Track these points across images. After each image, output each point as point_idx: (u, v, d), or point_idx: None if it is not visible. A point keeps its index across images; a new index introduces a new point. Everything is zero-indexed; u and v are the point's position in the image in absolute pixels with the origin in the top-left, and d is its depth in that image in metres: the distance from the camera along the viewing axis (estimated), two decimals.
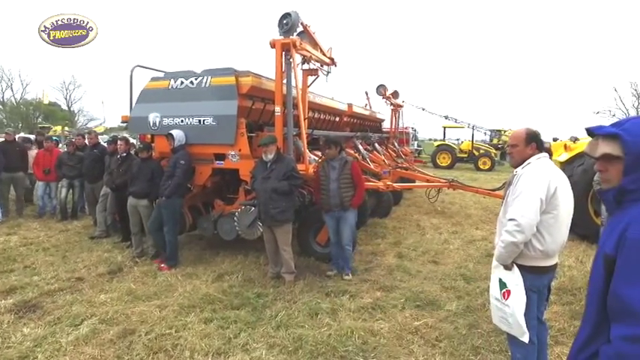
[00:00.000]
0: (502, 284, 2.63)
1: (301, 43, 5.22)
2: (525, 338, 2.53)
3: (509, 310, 2.55)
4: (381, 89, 11.05)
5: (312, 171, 5.25)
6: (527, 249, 2.56)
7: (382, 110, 12.61)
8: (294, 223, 5.39)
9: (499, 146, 25.08)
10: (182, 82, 5.56)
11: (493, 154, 23.71)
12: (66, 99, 46.79)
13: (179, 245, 5.74)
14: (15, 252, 6.05)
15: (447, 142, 26.66)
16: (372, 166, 8.33)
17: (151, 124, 5.69)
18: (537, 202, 2.49)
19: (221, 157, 5.48)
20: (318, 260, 5.65)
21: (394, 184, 7.86)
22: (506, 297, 2.59)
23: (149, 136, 6.01)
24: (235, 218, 5.48)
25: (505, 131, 27.26)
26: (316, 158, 5.74)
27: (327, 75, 6.27)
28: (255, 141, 5.42)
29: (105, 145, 7.68)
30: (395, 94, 11.62)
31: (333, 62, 6.27)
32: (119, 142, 6.48)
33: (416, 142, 30.49)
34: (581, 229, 6.45)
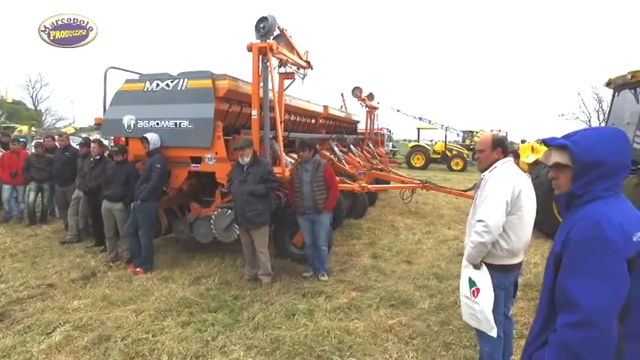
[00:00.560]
0: (472, 283, 2.76)
1: (278, 47, 5.26)
2: (494, 333, 2.67)
3: (479, 307, 2.68)
4: (356, 91, 11.19)
5: (288, 174, 5.30)
6: (494, 248, 2.70)
7: (357, 112, 12.79)
8: (271, 225, 5.43)
9: (471, 147, 25.63)
10: (158, 85, 5.52)
11: (465, 155, 24.28)
12: (32, 97, 45.04)
13: (155, 249, 5.69)
14: None
15: (421, 143, 27.09)
16: (347, 167, 8.46)
17: (126, 127, 5.61)
18: (503, 204, 2.64)
19: (197, 160, 5.46)
20: (294, 262, 5.71)
21: (369, 186, 7.99)
22: (475, 295, 2.72)
23: (123, 139, 5.93)
24: (212, 221, 5.48)
25: (477, 132, 27.98)
26: (292, 161, 5.79)
27: (303, 78, 6.33)
28: (231, 144, 5.43)
29: (77, 147, 7.50)
30: (370, 96, 11.78)
31: (309, 65, 6.34)
32: (92, 144, 6.35)
33: (391, 143, 30.90)
34: (547, 227, 6.74)
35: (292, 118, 7.46)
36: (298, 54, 6.07)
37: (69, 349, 3.49)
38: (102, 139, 6.57)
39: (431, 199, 11.37)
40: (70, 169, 6.99)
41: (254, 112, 5.27)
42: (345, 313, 4.23)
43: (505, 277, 2.79)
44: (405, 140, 42.06)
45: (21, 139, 11.76)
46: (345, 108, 11.58)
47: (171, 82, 5.45)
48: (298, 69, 6.21)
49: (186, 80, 5.39)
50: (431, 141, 30.11)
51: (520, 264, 2.90)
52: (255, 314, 4.14)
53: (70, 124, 33.03)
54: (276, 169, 5.22)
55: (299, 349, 3.49)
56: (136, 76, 5.97)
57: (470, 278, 2.77)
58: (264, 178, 4.85)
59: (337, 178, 5.91)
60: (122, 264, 5.66)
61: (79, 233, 6.82)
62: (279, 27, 5.49)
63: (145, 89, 5.58)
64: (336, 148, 8.71)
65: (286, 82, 6.18)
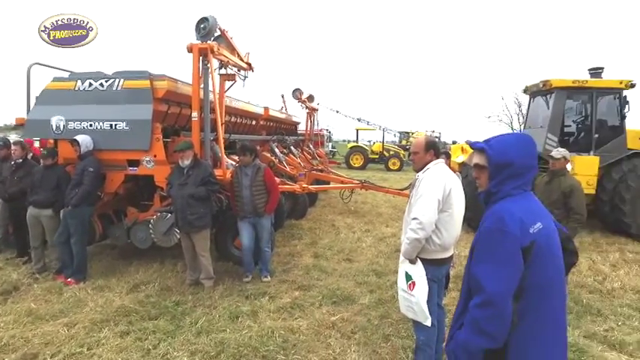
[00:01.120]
0: (408, 277, 2.95)
1: (219, 48, 5.22)
2: (428, 322, 2.88)
3: (415, 299, 2.87)
4: (296, 93, 11.31)
5: (229, 176, 5.27)
6: (428, 244, 2.91)
7: (298, 113, 12.91)
8: (212, 228, 5.37)
9: (407, 147, 26.73)
10: (91, 84, 5.23)
11: (402, 155, 25.28)
12: None
13: (88, 257, 5.38)
14: None
15: (359, 143, 27.85)
16: (288, 168, 8.54)
17: (54, 128, 5.25)
18: (435, 202, 2.86)
19: (135, 163, 5.26)
20: (236, 264, 5.67)
21: (310, 187, 8.13)
22: (411, 288, 2.91)
23: (52, 141, 5.55)
24: (151, 225, 5.30)
25: (413, 133, 29.24)
26: (233, 163, 5.77)
27: (244, 80, 6.32)
28: (171, 146, 5.31)
29: None
30: (310, 98, 11.95)
31: (250, 67, 6.34)
32: (13, 146, 5.83)
33: (330, 144, 31.45)
34: (475, 222, 7.26)
35: (233, 119, 7.40)
36: (239, 55, 6.05)
37: None
38: (22, 141, 6.06)
39: (370, 199, 11.77)
40: None
41: (194, 114, 5.18)
42: (288, 313, 4.31)
43: (438, 270, 3.02)
44: (344, 141, 42.95)
45: None
46: (286, 109, 11.68)
47: (106, 81, 5.20)
48: (239, 70, 6.19)
49: (122, 80, 5.17)
50: (369, 141, 31.04)
51: (451, 257, 3.16)
52: (198, 319, 4.09)
53: None
54: (217, 172, 5.18)
55: (244, 351, 3.52)
56: (66, 74, 5.62)
57: (406, 272, 2.96)
58: (204, 181, 4.80)
59: (278, 180, 5.96)
60: (50, 275, 5.28)
61: None
62: (220, 28, 5.44)
63: (76, 88, 5.27)
64: (276, 150, 8.76)
65: (227, 83, 6.13)
